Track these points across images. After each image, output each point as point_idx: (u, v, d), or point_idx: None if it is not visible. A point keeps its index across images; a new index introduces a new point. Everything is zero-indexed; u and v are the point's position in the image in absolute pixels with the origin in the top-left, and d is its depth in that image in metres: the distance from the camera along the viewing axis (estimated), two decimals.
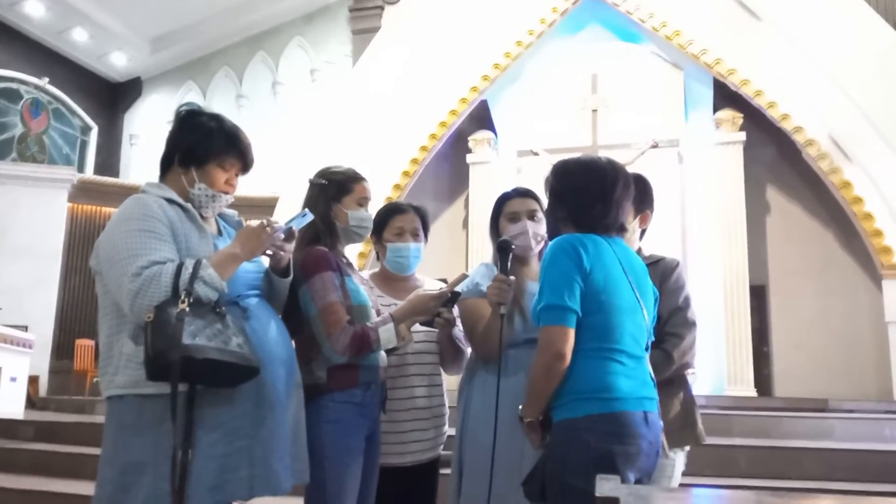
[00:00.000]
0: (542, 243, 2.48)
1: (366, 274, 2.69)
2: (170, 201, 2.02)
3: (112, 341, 1.96)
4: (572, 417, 1.89)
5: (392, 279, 2.69)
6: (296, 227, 2.13)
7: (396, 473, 2.50)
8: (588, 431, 1.86)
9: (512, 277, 2.24)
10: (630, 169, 2.52)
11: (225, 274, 1.93)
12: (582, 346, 1.90)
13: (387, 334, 2.23)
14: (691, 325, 2.38)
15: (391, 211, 2.66)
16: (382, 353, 2.34)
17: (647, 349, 2.05)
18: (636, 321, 2.00)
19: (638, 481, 1.90)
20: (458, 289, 2.37)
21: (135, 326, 1.89)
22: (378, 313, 2.39)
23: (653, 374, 2.10)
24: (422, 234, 2.68)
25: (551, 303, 1.90)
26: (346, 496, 2.20)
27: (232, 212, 2.26)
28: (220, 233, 2.17)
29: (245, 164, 2.15)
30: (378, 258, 2.76)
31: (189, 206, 2.05)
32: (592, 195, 2.04)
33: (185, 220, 2.02)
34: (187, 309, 1.82)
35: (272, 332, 2.05)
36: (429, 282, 2.73)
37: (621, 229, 2.10)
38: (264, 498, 1.96)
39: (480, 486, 2.19)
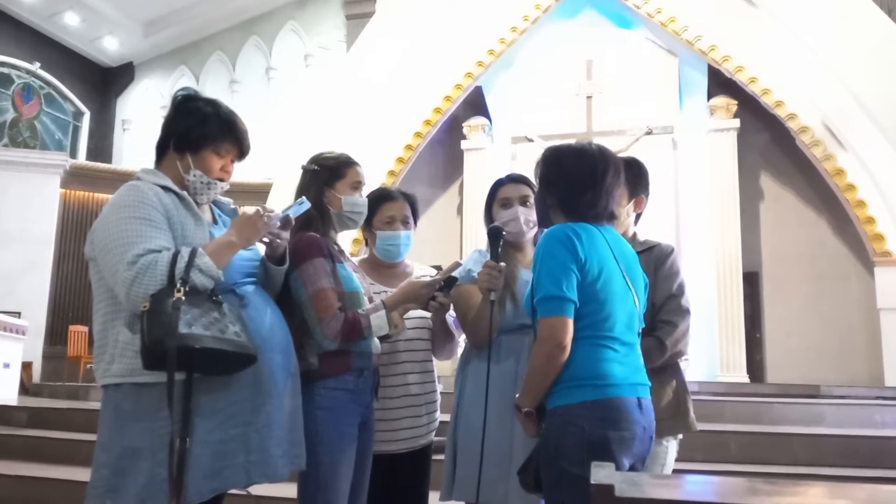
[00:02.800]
0: (535, 229, 2.48)
1: (356, 260, 2.68)
2: (165, 188, 2.01)
3: (107, 329, 1.95)
4: (567, 404, 1.90)
5: (381, 266, 2.68)
6: (293, 214, 2.13)
7: (389, 460, 2.51)
8: (583, 417, 1.86)
9: (502, 264, 2.24)
10: (623, 155, 2.52)
11: (221, 262, 1.92)
12: (576, 334, 1.91)
13: (378, 321, 2.23)
14: (685, 312, 2.39)
15: (381, 198, 2.64)
16: (375, 340, 2.33)
17: (638, 336, 2.06)
18: (628, 308, 2.00)
19: (632, 467, 1.91)
20: (452, 275, 2.37)
21: (130, 314, 1.89)
22: (370, 300, 2.39)
23: (644, 361, 2.11)
24: (411, 221, 2.67)
25: (550, 293, 1.90)
26: (340, 483, 2.20)
27: (227, 199, 2.25)
28: (214, 220, 2.16)
29: (241, 150, 2.14)
30: (367, 245, 2.75)
31: (184, 193, 2.04)
32: (583, 183, 2.03)
33: (181, 207, 2.01)
34: (183, 297, 1.81)
35: (269, 320, 2.05)
36: (418, 268, 2.73)
37: (611, 217, 2.09)
38: (261, 485, 1.96)
39: (472, 472, 2.21)
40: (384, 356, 2.47)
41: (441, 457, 2.48)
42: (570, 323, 1.90)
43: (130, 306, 1.86)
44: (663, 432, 2.31)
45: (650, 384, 2.03)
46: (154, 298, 1.81)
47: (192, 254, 1.87)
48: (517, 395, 2.01)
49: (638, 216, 2.59)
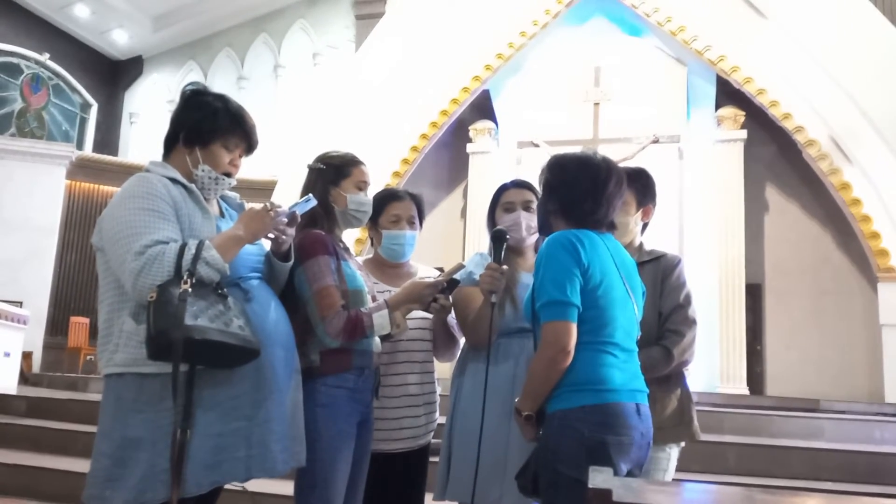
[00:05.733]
0: (536, 234, 2.49)
1: (360, 260, 2.69)
2: (173, 181, 2.02)
3: (112, 318, 1.96)
4: (566, 408, 1.91)
5: (386, 265, 2.69)
6: (299, 211, 2.14)
7: (387, 460, 2.51)
8: (582, 422, 1.88)
9: (504, 267, 2.25)
10: (630, 164, 2.53)
11: (227, 255, 1.93)
12: (577, 339, 1.92)
13: (380, 320, 2.24)
14: (692, 322, 2.39)
15: (387, 197, 2.65)
16: (377, 339, 2.34)
17: (636, 343, 2.06)
18: (627, 315, 2.02)
19: (629, 472, 1.92)
20: (454, 277, 2.38)
21: (136, 304, 1.90)
22: (373, 299, 2.39)
23: (649, 370, 2.12)
24: (417, 221, 2.68)
25: (555, 298, 1.91)
26: (337, 480, 2.20)
27: (234, 194, 2.27)
28: (222, 214, 2.17)
29: (249, 145, 2.16)
30: (372, 244, 2.76)
31: (192, 186, 2.06)
32: (584, 190, 2.06)
33: (189, 200, 2.02)
34: (189, 289, 1.82)
35: (272, 315, 2.06)
36: (423, 268, 2.74)
37: (611, 226, 2.11)
38: (259, 481, 1.96)
39: (467, 473, 2.21)
40: (385, 355, 2.48)
41: (438, 458, 2.48)
42: (574, 328, 1.91)
43: (137, 296, 1.87)
44: (667, 439, 2.32)
45: (655, 392, 2.04)
46: (161, 289, 1.82)
47: (200, 246, 1.88)
48: (517, 399, 2.01)
49: (644, 226, 2.60)
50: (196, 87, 2.18)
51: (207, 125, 2.07)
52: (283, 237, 2.12)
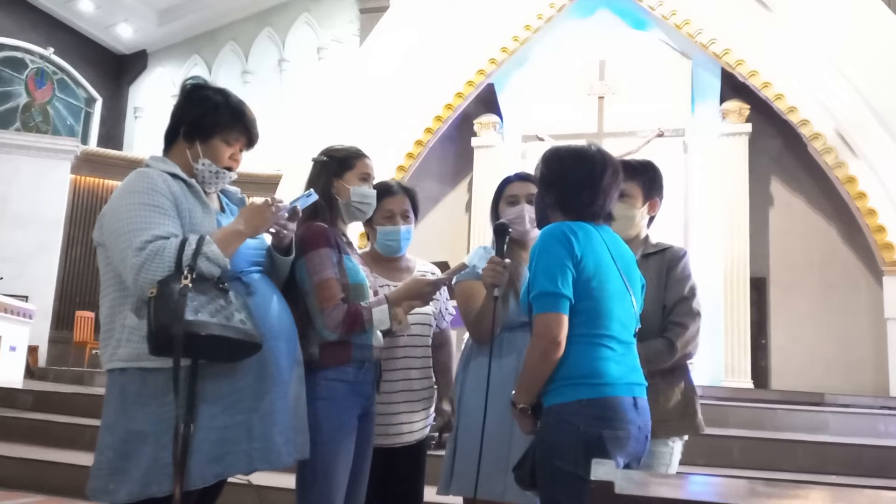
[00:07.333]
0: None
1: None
2: (174, 176, 2.02)
3: (114, 314, 1.97)
4: (562, 402, 1.90)
5: (383, 259, 2.69)
6: (300, 206, 2.13)
7: (386, 454, 2.50)
8: (578, 416, 1.87)
9: (507, 260, 2.24)
10: (635, 157, 2.52)
11: (228, 250, 1.94)
12: (572, 332, 1.91)
13: (380, 315, 2.23)
14: (696, 315, 2.38)
15: (380, 192, 2.62)
16: (378, 333, 2.33)
17: (635, 336, 2.06)
18: (625, 308, 2.01)
19: (627, 466, 1.91)
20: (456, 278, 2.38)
21: (137, 300, 1.90)
22: (375, 293, 2.39)
23: (652, 362, 2.11)
24: (412, 215, 2.67)
25: (546, 290, 1.91)
26: (338, 474, 2.20)
27: (235, 188, 2.27)
28: (222, 209, 2.17)
29: (250, 139, 2.15)
30: (368, 239, 2.76)
31: (193, 181, 2.06)
32: (580, 182, 2.05)
33: (189, 195, 2.02)
34: (190, 284, 1.83)
35: (274, 308, 2.06)
36: (420, 262, 2.74)
37: (608, 217, 2.11)
38: (262, 474, 1.97)
39: (471, 467, 2.21)
40: (384, 350, 2.47)
41: (436, 452, 2.48)
42: (565, 319, 1.90)
43: (138, 292, 1.87)
44: (670, 433, 2.31)
45: (659, 385, 2.03)
46: (161, 284, 1.82)
47: (200, 241, 1.89)
48: (513, 392, 2.02)
49: (651, 219, 2.59)
50: (196, 81, 2.18)
51: (208, 119, 2.07)
52: (284, 232, 2.12)
